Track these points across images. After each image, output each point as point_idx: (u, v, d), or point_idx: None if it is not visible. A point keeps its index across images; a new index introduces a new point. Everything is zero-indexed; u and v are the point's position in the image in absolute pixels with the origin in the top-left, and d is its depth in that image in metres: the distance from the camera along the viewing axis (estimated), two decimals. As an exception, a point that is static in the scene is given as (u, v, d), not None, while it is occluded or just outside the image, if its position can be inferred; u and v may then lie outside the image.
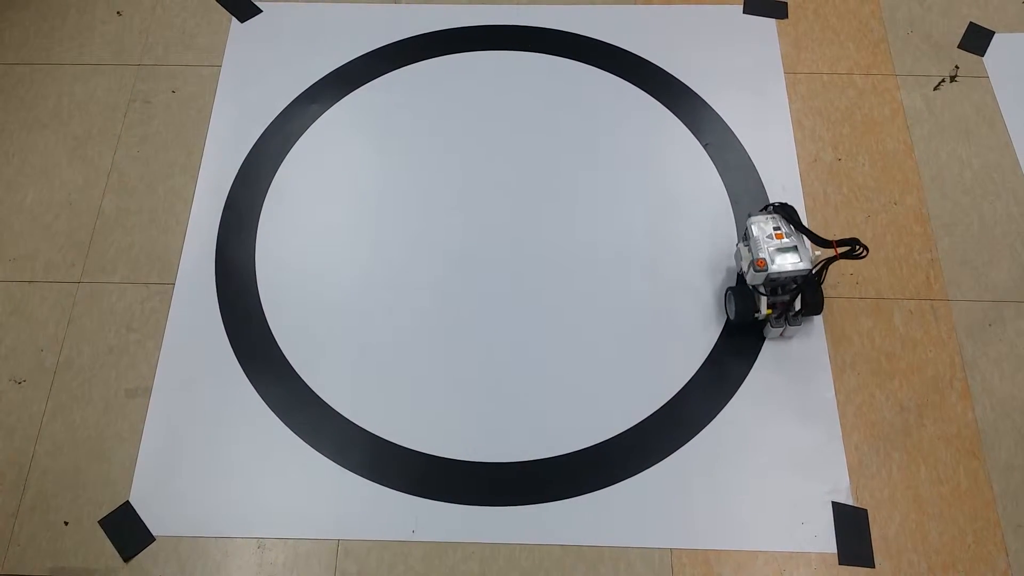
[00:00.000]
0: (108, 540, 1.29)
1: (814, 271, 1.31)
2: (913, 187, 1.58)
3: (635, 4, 1.80)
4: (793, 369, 1.41)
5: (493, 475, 1.33)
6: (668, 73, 1.72)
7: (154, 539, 1.29)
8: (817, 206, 1.56)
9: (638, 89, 1.70)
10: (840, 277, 1.49)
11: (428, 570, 1.26)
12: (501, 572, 1.26)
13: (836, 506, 1.30)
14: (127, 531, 1.30)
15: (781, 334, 1.42)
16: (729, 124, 1.65)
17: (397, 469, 1.34)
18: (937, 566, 1.26)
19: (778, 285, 1.35)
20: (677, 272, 1.50)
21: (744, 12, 1.79)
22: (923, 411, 1.38)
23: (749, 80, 1.71)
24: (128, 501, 1.32)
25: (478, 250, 1.53)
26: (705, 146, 1.63)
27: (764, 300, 1.35)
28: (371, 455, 1.35)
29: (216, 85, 1.71)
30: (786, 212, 1.34)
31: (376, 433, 1.37)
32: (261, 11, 1.81)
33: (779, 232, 1.32)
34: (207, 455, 1.35)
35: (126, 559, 1.28)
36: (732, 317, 1.41)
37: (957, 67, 1.71)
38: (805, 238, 1.32)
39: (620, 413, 1.38)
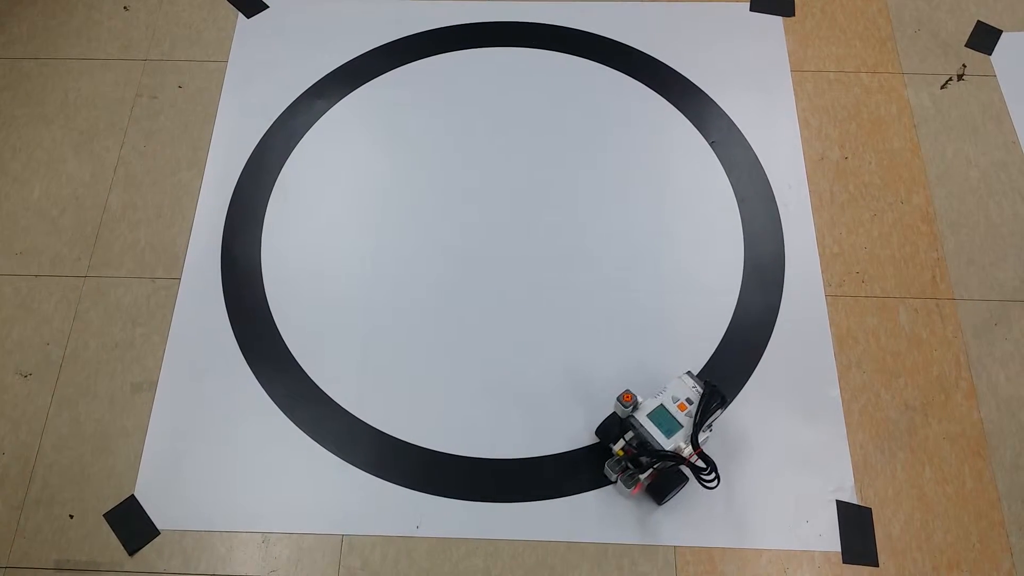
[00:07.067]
0: (113, 533, 1.30)
1: (664, 457, 1.19)
2: (919, 186, 1.58)
3: (642, 1, 1.80)
4: (798, 367, 1.41)
5: (497, 471, 1.33)
6: (674, 70, 1.72)
7: (159, 532, 1.30)
8: (823, 204, 1.56)
9: (644, 86, 1.70)
10: (846, 276, 1.49)
11: (432, 566, 1.27)
12: (505, 568, 1.26)
13: (840, 505, 1.30)
14: (132, 524, 1.30)
15: (613, 482, 1.30)
16: (735, 121, 1.65)
17: (402, 465, 1.34)
18: (941, 565, 1.26)
19: (637, 442, 1.23)
20: (680, 269, 1.50)
21: (751, 10, 1.79)
22: (928, 410, 1.37)
23: (755, 78, 1.70)
24: (133, 495, 1.32)
25: (483, 246, 1.53)
26: (711, 143, 1.63)
27: (622, 441, 1.24)
28: (376, 451, 1.35)
29: (222, 80, 1.72)
30: (710, 397, 1.22)
31: (381, 429, 1.37)
32: (267, 7, 1.81)
33: (683, 404, 1.23)
34: (212, 449, 1.36)
35: (131, 552, 1.28)
36: (597, 428, 1.32)
37: (964, 66, 1.71)
38: (693, 429, 1.21)
39: (624, 410, 1.38)
